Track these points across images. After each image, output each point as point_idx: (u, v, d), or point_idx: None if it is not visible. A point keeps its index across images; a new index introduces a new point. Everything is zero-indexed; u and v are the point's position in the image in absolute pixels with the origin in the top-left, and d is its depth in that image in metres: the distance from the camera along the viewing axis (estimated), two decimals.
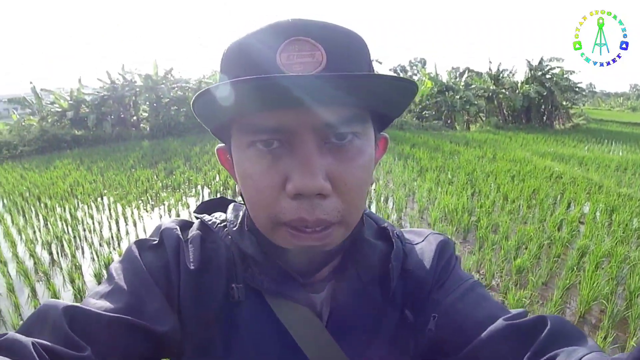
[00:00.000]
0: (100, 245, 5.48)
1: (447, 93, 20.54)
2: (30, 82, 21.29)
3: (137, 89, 19.89)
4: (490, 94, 20.88)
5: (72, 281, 4.45)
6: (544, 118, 21.32)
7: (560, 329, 0.47)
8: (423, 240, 0.65)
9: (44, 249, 5.40)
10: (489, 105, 21.28)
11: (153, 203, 7.43)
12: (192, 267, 0.58)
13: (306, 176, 0.45)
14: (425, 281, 0.60)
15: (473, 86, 21.04)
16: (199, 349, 0.58)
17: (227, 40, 0.53)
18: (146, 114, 20.38)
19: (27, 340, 0.43)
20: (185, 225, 0.65)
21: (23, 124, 20.49)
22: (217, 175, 9.13)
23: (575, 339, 0.46)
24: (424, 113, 20.65)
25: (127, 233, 5.86)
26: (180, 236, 0.61)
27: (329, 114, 0.45)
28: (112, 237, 5.69)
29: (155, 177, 9.75)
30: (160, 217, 6.48)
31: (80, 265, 4.90)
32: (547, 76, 20.40)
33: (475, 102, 20.42)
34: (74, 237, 5.67)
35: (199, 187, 8.23)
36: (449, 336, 0.55)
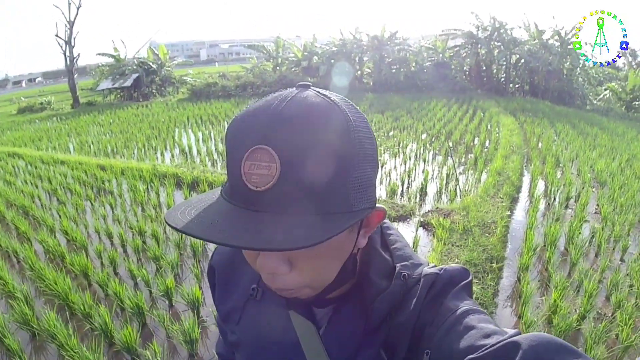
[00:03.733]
0: None
1: None
2: (279, 34, 26.38)
3: (365, 47, 23.42)
4: None
5: None
6: None
7: (537, 352, 0.47)
8: (422, 280, 0.66)
9: None
10: None
11: (385, 138, 11.09)
12: (220, 272, 0.84)
13: (263, 260, 0.55)
14: (404, 326, 0.63)
15: None
16: (224, 316, 0.83)
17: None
18: (369, 70, 24.02)
19: None
20: None
21: (259, 67, 26.11)
22: (434, 124, 12.34)
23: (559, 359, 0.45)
24: (633, 103, 20.29)
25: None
26: (212, 263, 0.86)
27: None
28: None
29: (385, 120, 13.45)
30: (393, 147, 10.05)
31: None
32: None
33: None
34: None
35: (419, 131, 11.55)
36: None
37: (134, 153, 11.13)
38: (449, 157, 8.61)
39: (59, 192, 7.40)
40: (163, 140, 12.19)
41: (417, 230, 5.49)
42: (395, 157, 9.29)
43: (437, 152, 9.63)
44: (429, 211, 5.98)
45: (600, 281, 4.27)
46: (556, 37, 20.27)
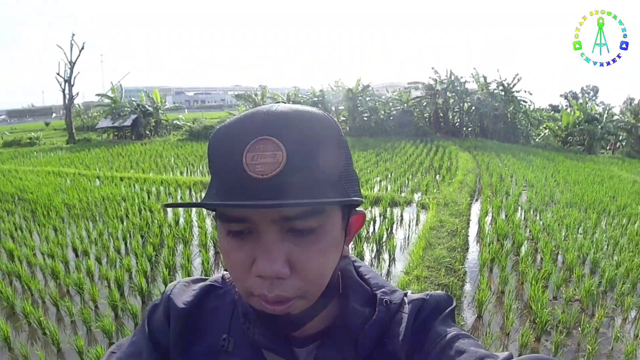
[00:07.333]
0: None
1: (594, 123, 24.14)
2: (265, 85, 30.20)
3: (340, 98, 27.55)
4: (630, 127, 24.31)
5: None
6: None
7: None
8: (409, 306, 0.65)
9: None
10: (629, 136, 24.79)
11: (372, 168, 14.48)
12: (177, 322, 0.69)
13: (265, 262, 0.51)
14: (395, 354, 0.61)
15: (615, 118, 24.74)
16: None
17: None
18: (344, 118, 27.90)
19: None
20: (198, 281, 0.75)
21: None
22: (408, 157, 15.92)
23: None
24: (568, 138, 24.94)
25: (368, 173, 13.03)
26: (171, 296, 0.71)
27: (285, 211, 0.50)
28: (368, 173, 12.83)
29: (369, 155, 16.97)
30: (384, 171, 13.46)
31: (378, 181, 12.10)
32: None
33: (616, 133, 24.54)
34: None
35: (398, 162, 15.07)
36: None
37: (182, 173, 13.91)
38: (426, 174, 12.06)
39: (154, 196, 9.89)
40: (200, 164, 15.27)
41: (417, 207, 8.88)
42: (387, 178, 12.70)
43: (414, 173, 13.12)
44: (421, 199, 9.40)
45: (526, 226, 7.68)
46: (500, 88, 24.90)
